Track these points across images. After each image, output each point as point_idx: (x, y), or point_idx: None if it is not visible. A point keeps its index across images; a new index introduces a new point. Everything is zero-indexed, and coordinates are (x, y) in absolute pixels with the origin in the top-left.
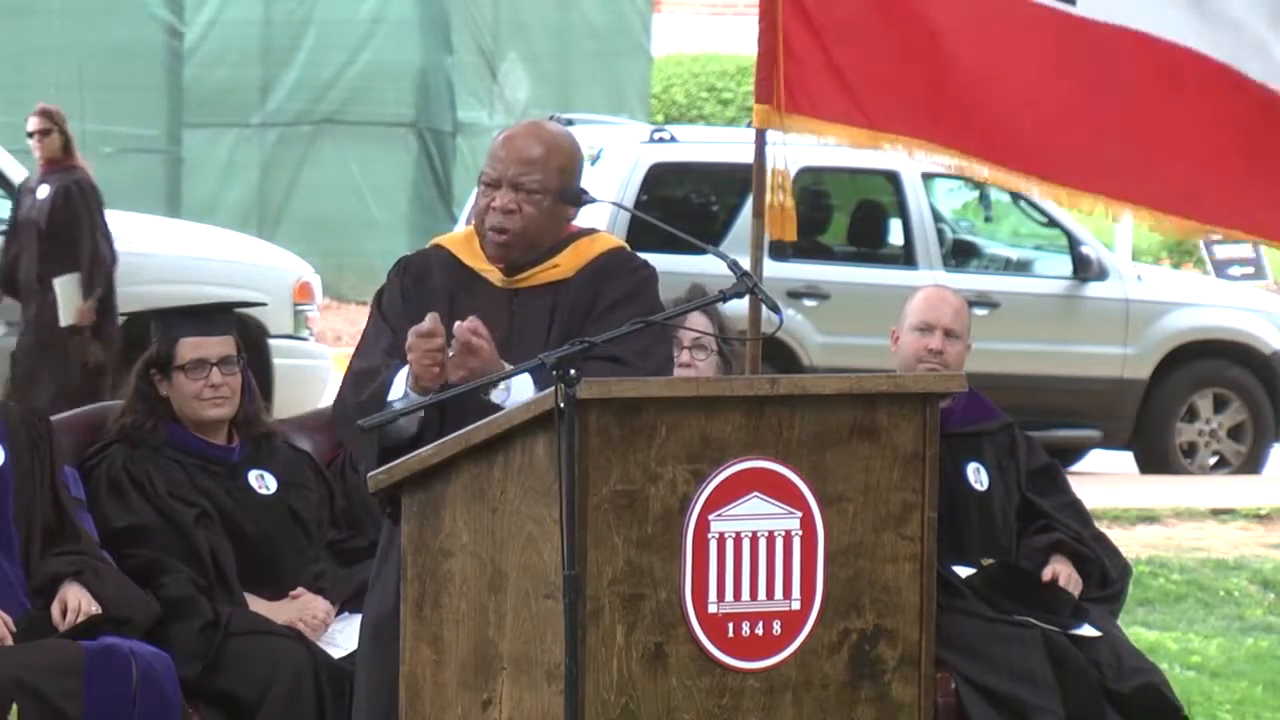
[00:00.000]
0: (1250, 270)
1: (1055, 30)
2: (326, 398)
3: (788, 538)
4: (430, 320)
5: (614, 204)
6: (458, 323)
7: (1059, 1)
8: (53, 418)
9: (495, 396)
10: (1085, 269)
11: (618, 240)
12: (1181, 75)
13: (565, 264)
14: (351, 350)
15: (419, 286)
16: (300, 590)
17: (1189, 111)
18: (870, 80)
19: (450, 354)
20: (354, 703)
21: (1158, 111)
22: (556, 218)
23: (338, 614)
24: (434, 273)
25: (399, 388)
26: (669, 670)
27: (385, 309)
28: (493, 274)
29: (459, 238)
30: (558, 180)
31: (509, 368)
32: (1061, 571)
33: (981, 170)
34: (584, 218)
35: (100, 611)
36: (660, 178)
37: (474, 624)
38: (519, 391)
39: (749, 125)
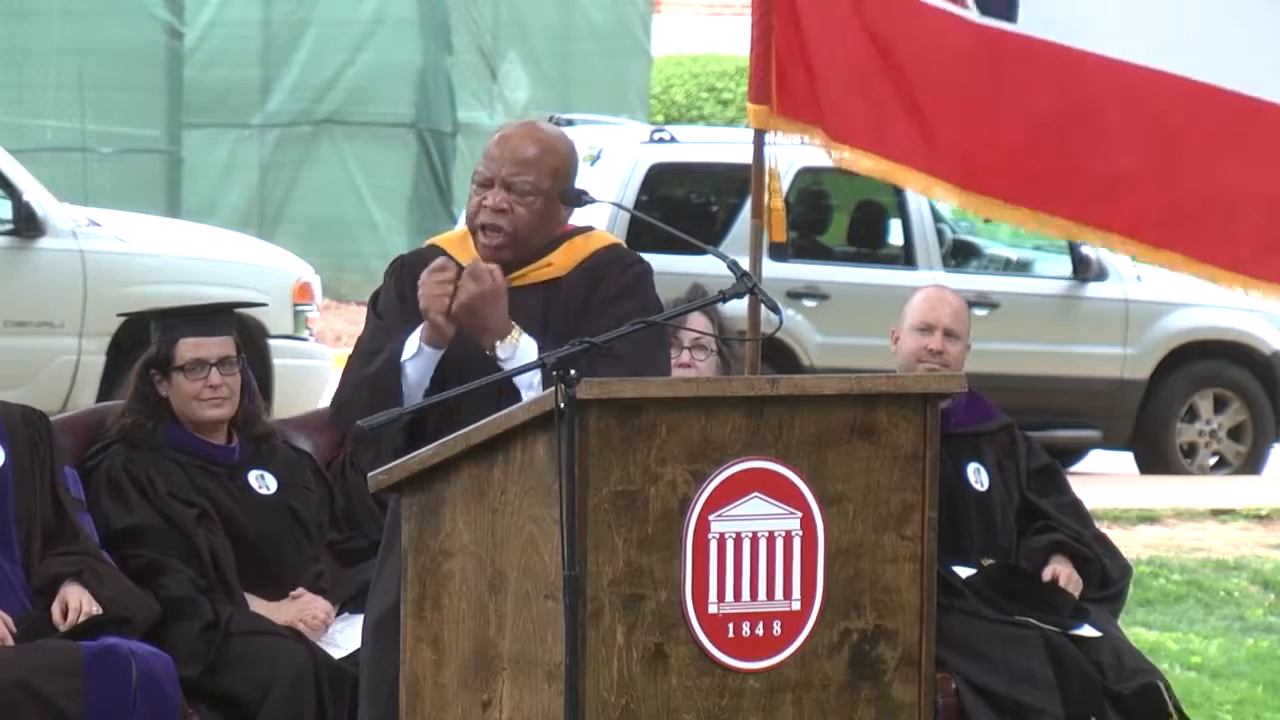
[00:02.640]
0: None
1: (1010, 52)
2: (326, 398)
3: (788, 538)
4: (442, 259)
5: (614, 204)
6: (473, 258)
7: (1005, 23)
8: (53, 418)
9: (501, 353)
10: (1085, 269)
11: (613, 237)
12: (1141, 95)
13: (558, 263)
14: (351, 350)
15: (415, 286)
16: (300, 590)
17: (1150, 131)
18: (840, 91)
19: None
20: (359, 702)
21: (1118, 132)
22: (549, 219)
23: (338, 614)
24: None
25: (412, 345)
26: (669, 670)
27: (382, 310)
28: None
29: (454, 237)
30: (550, 182)
31: (514, 329)
32: (1062, 572)
33: (935, 189)
34: (584, 218)
35: (100, 612)
36: (660, 178)
37: (474, 624)
38: (525, 351)
39: (748, 125)
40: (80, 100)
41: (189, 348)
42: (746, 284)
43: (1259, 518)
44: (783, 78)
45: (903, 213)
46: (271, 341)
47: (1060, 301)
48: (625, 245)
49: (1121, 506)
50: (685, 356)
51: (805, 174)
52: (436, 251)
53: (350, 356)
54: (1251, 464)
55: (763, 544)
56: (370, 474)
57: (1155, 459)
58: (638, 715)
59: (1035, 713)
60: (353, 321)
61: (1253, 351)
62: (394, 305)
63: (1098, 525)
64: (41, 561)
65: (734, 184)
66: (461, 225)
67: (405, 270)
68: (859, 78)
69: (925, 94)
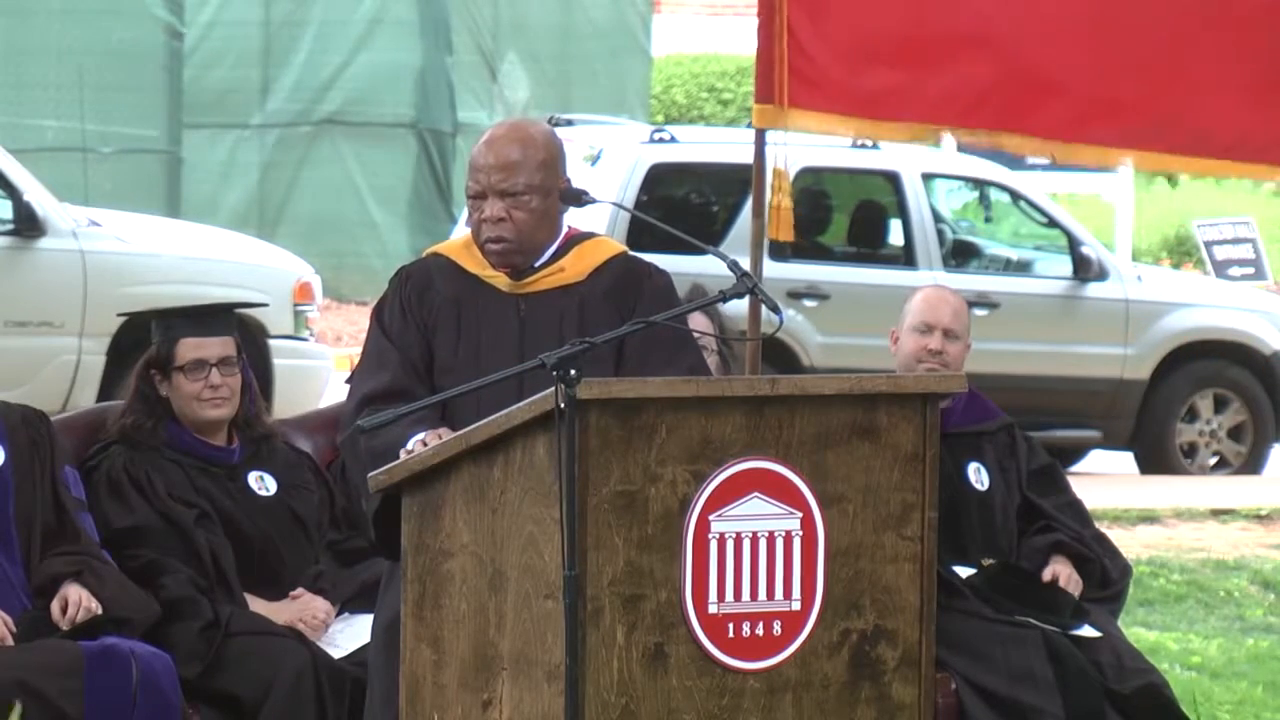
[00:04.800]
0: (1250, 270)
1: None
2: (326, 398)
3: (788, 538)
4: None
5: (614, 204)
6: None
7: None
8: (53, 418)
9: None
10: (1085, 269)
11: (619, 245)
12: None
13: (571, 268)
14: (351, 349)
15: (421, 297)
16: (300, 590)
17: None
18: (878, 65)
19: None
20: (366, 704)
21: (1178, 47)
22: (549, 213)
23: (338, 614)
24: (436, 282)
25: (413, 444)
26: (669, 670)
27: (387, 325)
28: (498, 279)
29: (457, 245)
30: (540, 176)
31: None
32: (1062, 572)
33: (986, 137)
34: (584, 218)
35: (100, 611)
36: (660, 178)
37: (474, 624)
38: None
39: (749, 125)
40: (80, 100)
41: (189, 348)
42: (747, 284)
43: (1259, 518)
44: (799, 70)
45: (903, 213)
46: (272, 341)
47: (1060, 301)
48: (629, 251)
49: (1121, 506)
50: None
51: (805, 174)
52: (441, 260)
53: (355, 371)
54: (1251, 464)
55: (763, 544)
56: (370, 474)
57: (1155, 459)
58: (638, 715)
59: (1035, 713)
60: (353, 321)
61: (1253, 351)
62: (398, 321)
63: (1098, 525)
64: (42, 561)
65: (734, 184)
66: (462, 231)
67: (411, 282)
68: (899, 45)
69: (968, 36)
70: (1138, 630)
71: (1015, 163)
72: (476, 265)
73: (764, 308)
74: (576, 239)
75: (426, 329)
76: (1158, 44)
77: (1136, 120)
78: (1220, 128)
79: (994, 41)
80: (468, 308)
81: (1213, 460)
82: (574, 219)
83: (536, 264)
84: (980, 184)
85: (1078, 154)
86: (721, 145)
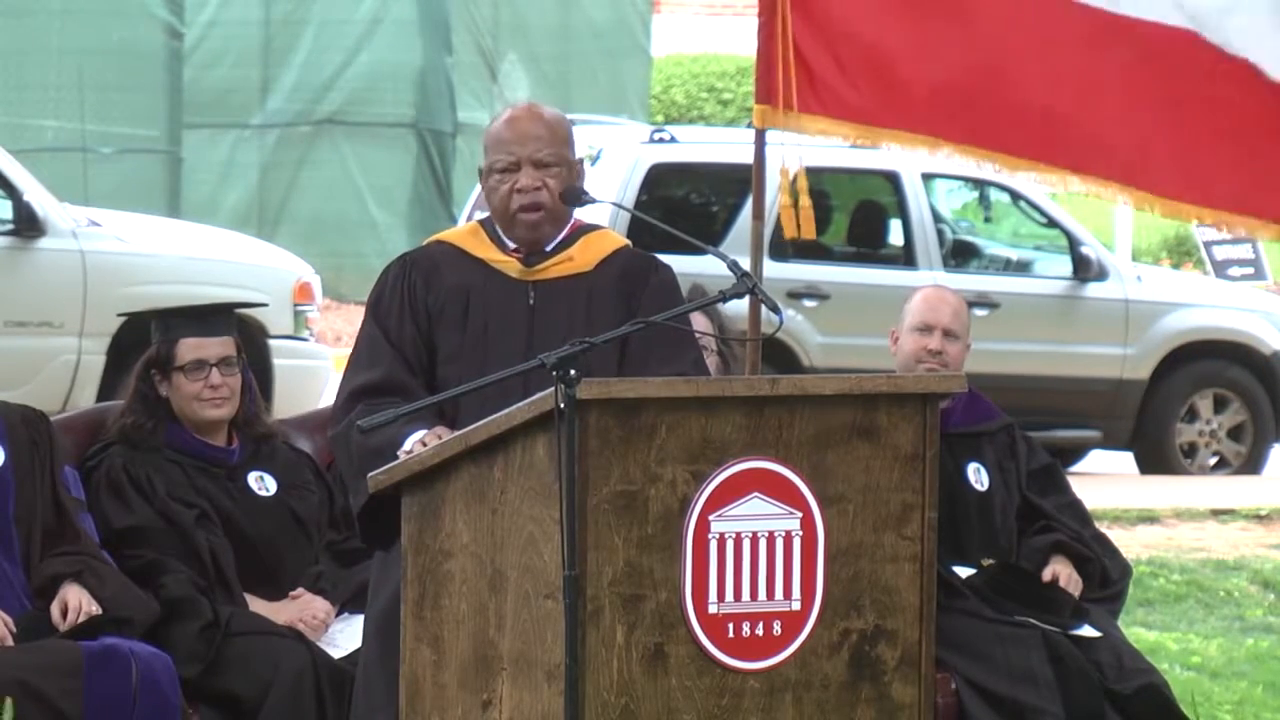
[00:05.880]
0: (1250, 270)
1: (1057, 18)
2: (326, 398)
3: (788, 538)
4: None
5: (614, 204)
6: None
7: None
8: (53, 418)
9: None
10: (1085, 269)
11: (623, 238)
12: (1178, 59)
13: (580, 257)
14: (350, 356)
15: (428, 282)
16: (300, 590)
17: (1186, 95)
18: (876, 77)
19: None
20: (356, 697)
21: (1156, 95)
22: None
23: (338, 614)
24: (442, 268)
25: (410, 442)
26: (669, 671)
27: (383, 317)
28: (508, 265)
29: (462, 232)
30: (566, 152)
31: None
32: (1062, 572)
33: (987, 165)
34: (585, 218)
35: (100, 612)
36: (660, 178)
37: (474, 624)
38: None
39: (749, 125)
40: (80, 100)
41: (189, 348)
42: (747, 284)
43: (1259, 518)
44: (802, 75)
45: (903, 213)
46: (271, 341)
47: (1060, 301)
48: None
49: (1121, 506)
50: None
51: (806, 174)
52: (445, 248)
53: (348, 365)
54: (1251, 464)
55: (763, 544)
56: (370, 474)
57: (1155, 459)
58: (638, 715)
59: (1035, 713)
60: (352, 321)
61: (1253, 351)
62: (396, 305)
63: (1098, 525)
64: (42, 561)
65: (734, 184)
66: (463, 224)
67: (417, 268)
68: (899, 59)
69: (970, 66)
70: (1138, 630)
71: None
72: (485, 251)
73: (764, 308)
74: (583, 229)
75: (430, 316)
76: (1150, 93)
77: (1130, 158)
78: (1215, 177)
79: (990, 65)
80: (476, 294)
81: (1213, 460)
82: (575, 215)
83: (548, 248)
84: (980, 184)
85: (1070, 184)
86: (721, 145)
